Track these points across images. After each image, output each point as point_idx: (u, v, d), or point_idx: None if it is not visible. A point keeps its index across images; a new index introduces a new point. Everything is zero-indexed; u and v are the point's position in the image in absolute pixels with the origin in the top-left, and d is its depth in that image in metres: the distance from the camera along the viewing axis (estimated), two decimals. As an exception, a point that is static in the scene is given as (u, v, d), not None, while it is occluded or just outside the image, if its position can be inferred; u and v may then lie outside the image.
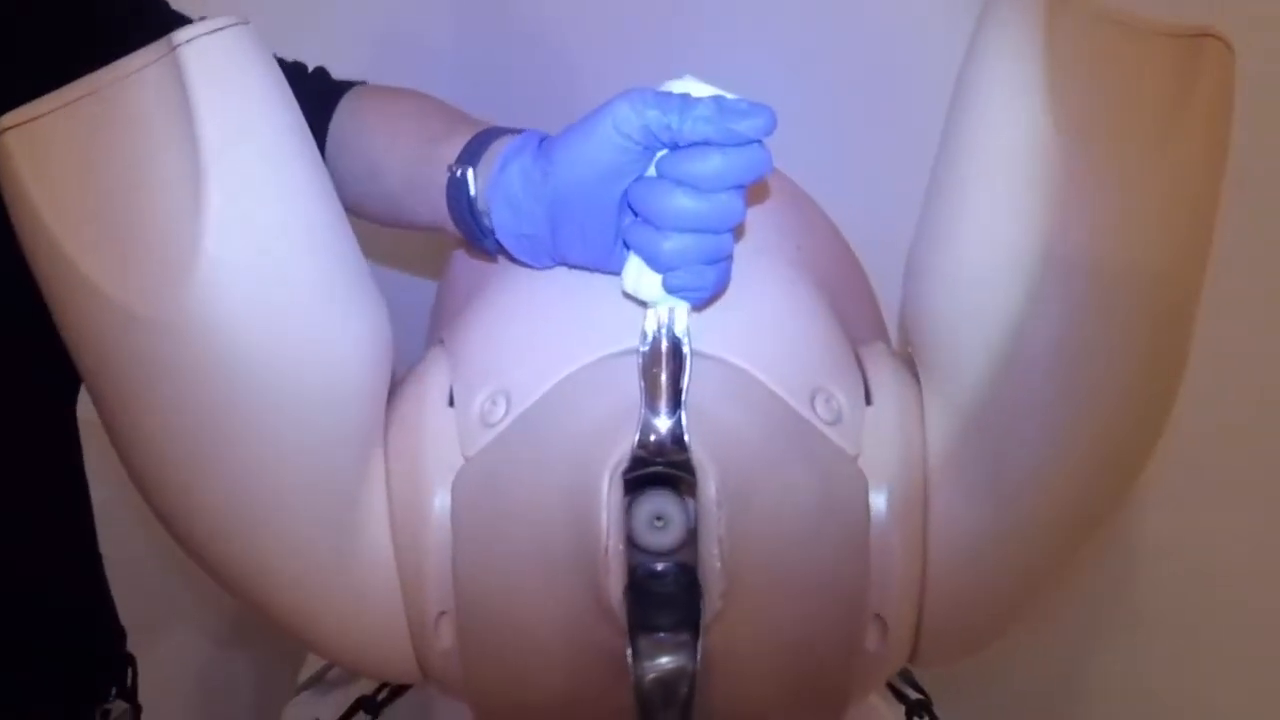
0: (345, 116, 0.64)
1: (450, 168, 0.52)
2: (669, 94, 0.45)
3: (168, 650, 1.05)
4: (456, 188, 0.52)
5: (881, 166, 0.87)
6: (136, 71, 0.42)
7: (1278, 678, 1.03)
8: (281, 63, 0.65)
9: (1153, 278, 0.47)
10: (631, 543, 0.52)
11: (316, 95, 0.64)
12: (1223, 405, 0.93)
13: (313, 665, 0.81)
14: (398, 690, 0.71)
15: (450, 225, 0.54)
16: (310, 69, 0.68)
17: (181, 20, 0.63)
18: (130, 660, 0.71)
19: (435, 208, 0.54)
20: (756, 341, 0.51)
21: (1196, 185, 0.48)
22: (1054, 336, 0.47)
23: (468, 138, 0.53)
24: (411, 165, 0.57)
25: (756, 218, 0.55)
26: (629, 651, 0.50)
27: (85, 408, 0.61)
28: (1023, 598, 0.55)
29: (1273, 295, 0.93)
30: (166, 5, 0.64)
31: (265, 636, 1.13)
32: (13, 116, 0.42)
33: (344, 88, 0.66)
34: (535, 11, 0.94)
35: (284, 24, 0.67)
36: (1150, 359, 0.49)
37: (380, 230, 0.65)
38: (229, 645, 1.16)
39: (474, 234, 0.53)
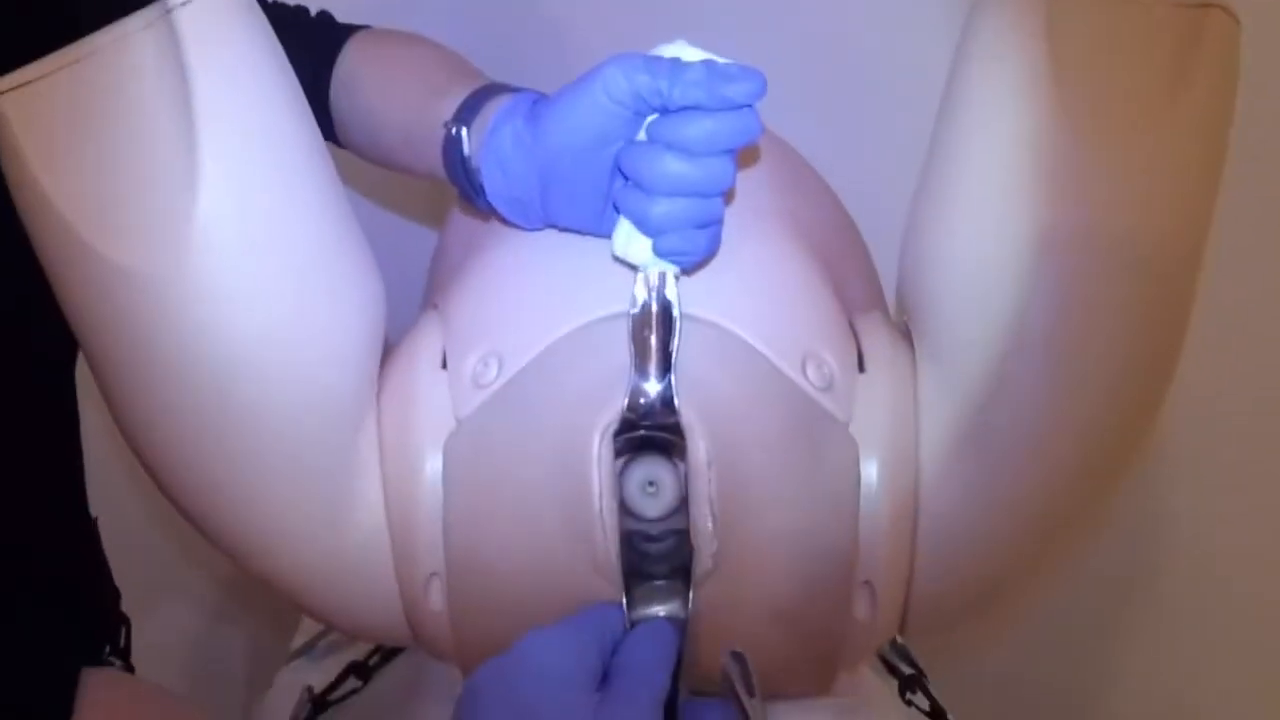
0: (348, 63, 0.63)
1: (446, 125, 0.52)
2: (660, 58, 0.45)
3: (161, 618, 1.05)
4: (452, 145, 0.52)
5: (881, 134, 0.86)
6: (131, 35, 0.42)
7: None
8: (283, 7, 0.66)
9: (1150, 244, 0.47)
10: (625, 510, 0.52)
11: (320, 41, 0.64)
12: (1257, 393, 0.90)
13: (306, 633, 0.81)
14: (389, 655, 0.72)
15: (447, 178, 0.54)
16: (314, 14, 0.67)
17: None
18: (124, 620, 0.71)
19: (432, 161, 0.54)
20: (748, 305, 0.51)
21: (1197, 154, 0.47)
22: (1052, 307, 0.47)
23: (464, 94, 0.53)
24: (410, 118, 0.57)
25: (750, 181, 0.55)
26: (624, 599, 0.50)
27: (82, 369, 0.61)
28: (1013, 570, 0.55)
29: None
30: None
31: (258, 605, 1.14)
32: (7, 81, 0.42)
33: (348, 32, 0.65)
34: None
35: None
36: (1149, 328, 0.49)
37: (384, 175, 0.65)
38: (222, 614, 1.16)
39: (468, 191, 0.53)
